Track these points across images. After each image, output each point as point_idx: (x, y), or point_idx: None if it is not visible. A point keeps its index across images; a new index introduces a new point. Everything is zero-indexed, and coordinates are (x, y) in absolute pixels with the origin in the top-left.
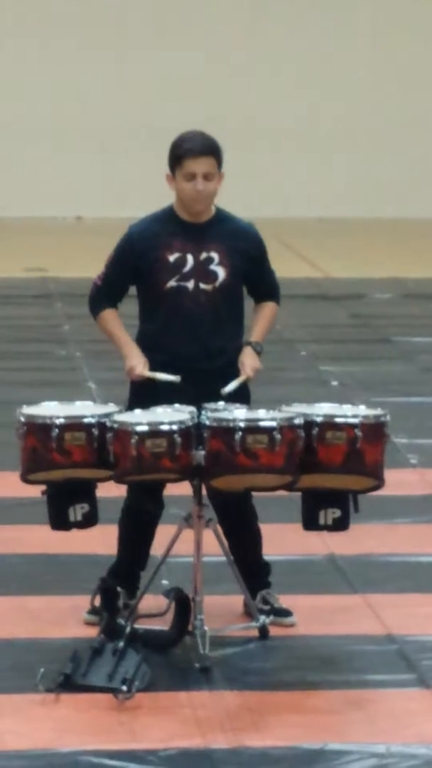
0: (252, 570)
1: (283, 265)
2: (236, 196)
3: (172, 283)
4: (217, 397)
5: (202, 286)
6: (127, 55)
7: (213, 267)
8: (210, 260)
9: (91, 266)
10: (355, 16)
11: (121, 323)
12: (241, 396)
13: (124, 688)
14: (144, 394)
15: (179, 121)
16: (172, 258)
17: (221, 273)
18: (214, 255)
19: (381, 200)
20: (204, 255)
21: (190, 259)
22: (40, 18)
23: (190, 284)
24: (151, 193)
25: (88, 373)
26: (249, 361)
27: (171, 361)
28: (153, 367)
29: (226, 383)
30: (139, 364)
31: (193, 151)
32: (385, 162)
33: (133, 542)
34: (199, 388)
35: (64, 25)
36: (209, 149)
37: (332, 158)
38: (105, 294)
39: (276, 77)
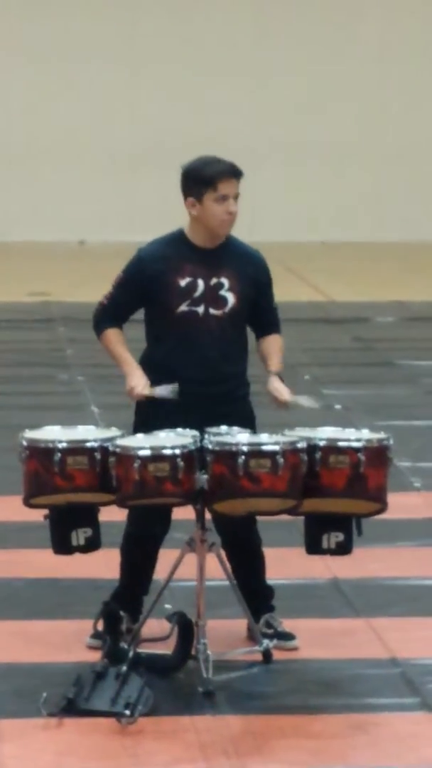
0: (256, 594)
1: (286, 289)
2: (239, 219)
3: (183, 307)
4: (219, 421)
5: (212, 311)
6: (132, 77)
7: (223, 293)
8: (220, 286)
9: (95, 291)
10: (360, 36)
11: (124, 342)
12: (249, 424)
13: (127, 712)
14: (149, 417)
15: (183, 145)
16: (183, 282)
17: (231, 299)
18: (225, 281)
19: (385, 223)
20: (215, 280)
21: (200, 284)
22: (45, 40)
23: (201, 309)
24: (154, 218)
25: (90, 397)
26: (282, 387)
27: (180, 386)
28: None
29: (236, 406)
30: (139, 384)
31: (226, 173)
32: (389, 185)
33: (136, 567)
34: (205, 413)
35: (69, 48)
36: (239, 171)
37: (336, 181)
38: (110, 314)
39: (281, 99)
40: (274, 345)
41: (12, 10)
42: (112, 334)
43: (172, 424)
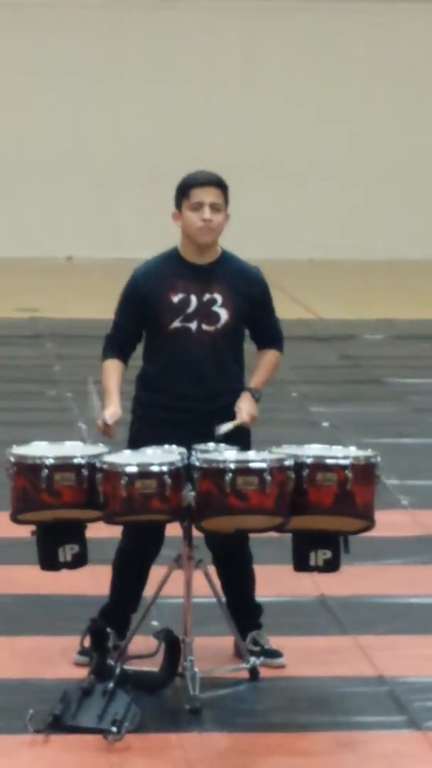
0: (244, 611)
1: (274, 306)
2: (227, 237)
3: (175, 324)
4: (213, 437)
5: (204, 327)
6: (120, 94)
7: (216, 308)
8: (213, 301)
9: (82, 306)
10: (348, 55)
11: (116, 374)
12: (241, 439)
13: (114, 729)
14: (142, 433)
15: (171, 161)
16: (175, 299)
17: (224, 315)
18: (218, 296)
19: (372, 241)
20: (207, 296)
21: (193, 300)
22: (33, 58)
23: (193, 325)
24: (142, 234)
25: (78, 413)
26: (246, 407)
27: (172, 402)
28: (152, 408)
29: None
30: (106, 416)
31: (199, 180)
32: (377, 203)
33: (126, 584)
34: (198, 429)
35: (57, 64)
36: (216, 181)
37: (324, 199)
38: (115, 341)
39: (268, 117)
40: (264, 360)
41: (1, 29)
42: (109, 365)
43: (163, 440)
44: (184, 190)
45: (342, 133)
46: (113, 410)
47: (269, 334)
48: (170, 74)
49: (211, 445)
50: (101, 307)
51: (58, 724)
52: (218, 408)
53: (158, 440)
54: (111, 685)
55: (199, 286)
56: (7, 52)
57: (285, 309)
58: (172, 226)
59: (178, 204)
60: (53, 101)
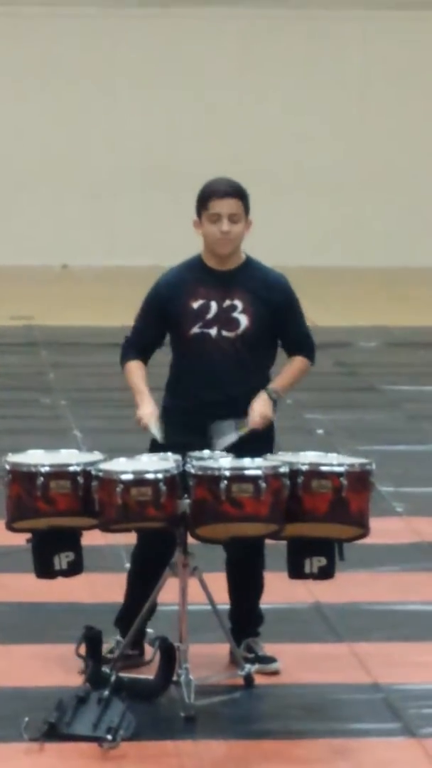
0: (247, 618)
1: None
2: None
3: (195, 329)
4: (234, 445)
5: (224, 333)
6: (115, 102)
7: (236, 314)
8: (233, 308)
9: (77, 314)
10: (341, 65)
11: (141, 373)
12: (264, 442)
13: (109, 737)
14: (165, 435)
15: (167, 169)
16: (195, 305)
17: (244, 321)
18: (238, 303)
19: (367, 248)
20: (227, 302)
21: (213, 306)
22: (29, 66)
23: (213, 331)
24: (137, 242)
25: (73, 421)
26: (259, 408)
27: (193, 407)
28: (175, 414)
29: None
30: (145, 415)
31: (218, 192)
32: (372, 210)
33: (143, 589)
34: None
35: (53, 72)
36: (235, 191)
37: (319, 206)
38: (134, 345)
39: (266, 125)
40: (290, 366)
41: None
42: (133, 366)
43: (186, 446)
44: (203, 201)
45: (337, 140)
46: (150, 409)
47: (296, 341)
48: (167, 82)
49: (206, 452)
50: (96, 314)
51: (53, 732)
52: (238, 413)
53: (181, 446)
54: (106, 692)
55: (219, 292)
56: (3, 58)
57: None
58: (167, 233)
59: (199, 213)
60: (49, 108)
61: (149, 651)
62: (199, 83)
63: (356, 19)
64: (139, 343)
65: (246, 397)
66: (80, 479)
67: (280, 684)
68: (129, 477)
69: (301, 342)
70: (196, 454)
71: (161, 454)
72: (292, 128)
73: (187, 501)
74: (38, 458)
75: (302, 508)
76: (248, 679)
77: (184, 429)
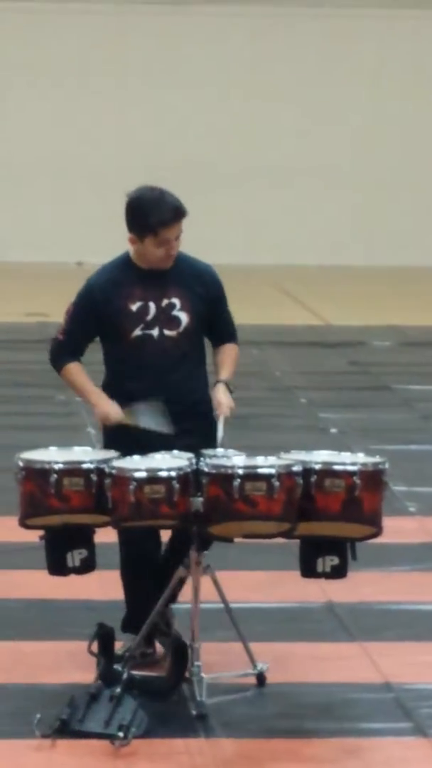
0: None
1: (283, 313)
2: (235, 243)
3: (137, 332)
4: (185, 437)
5: (166, 332)
6: (127, 99)
7: (175, 313)
8: (172, 306)
9: None
10: (354, 62)
11: (85, 374)
12: (210, 436)
13: (121, 734)
14: (120, 440)
15: (180, 164)
16: (134, 307)
17: (184, 318)
18: (176, 301)
19: (381, 248)
20: (166, 301)
21: (152, 306)
22: (42, 63)
23: (155, 332)
24: None
25: (87, 418)
26: (225, 401)
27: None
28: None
29: (199, 421)
30: (112, 410)
31: (168, 222)
32: (386, 209)
33: (138, 589)
34: (173, 432)
35: (65, 70)
36: (181, 213)
37: (333, 205)
38: (68, 348)
39: (275, 122)
40: (227, 354)
41: (8, 37)
42: (73, 368)
43: (140, 445)
44: (150, 228)
45: (350, 139)
46: (115, 406)
47: (226, 330)
48: (177, 80)
49: (220, 450)
50: None
51: (65, 729)
52: (188, 409)
53: (136, 446)
54: (118, 690)
55: (156, 292)
56: (14, 57)
57: (293, 315)
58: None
59: (141, 234)
60: (63, 106)
61: (161, 649)
62: (211, 81)
63: (370, 17)
64: (72, 346)
65: (193, 391)
66: (94, 476)
67: (291, 683)
68: (142, 474)
69: (230, 330)
70: (210, 452)
71: (174, 452)
72: (306, 127)
73: (200, 499)
74: (52, 455)
75: (315, 507)
76: (260, 677)
77: (138, 430)
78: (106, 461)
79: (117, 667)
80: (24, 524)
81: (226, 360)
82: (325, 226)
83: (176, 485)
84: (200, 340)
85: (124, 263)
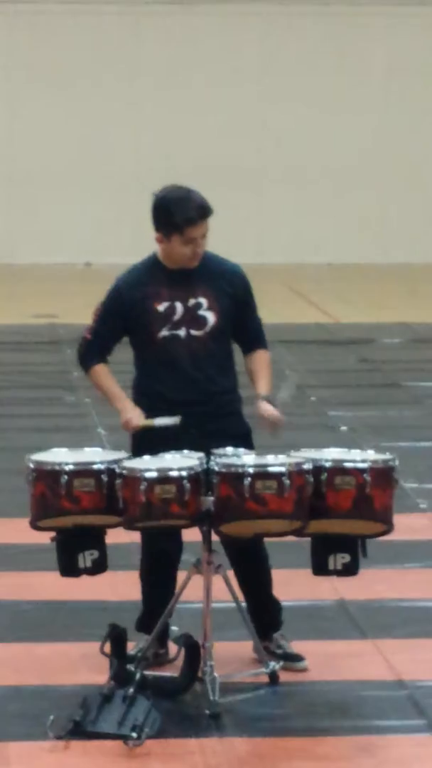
0: (265, 608)
1: (293, 311)
2: (247, 242)
3: (164, 332)
4: (214, 438)
5: (193, 332)
6: (137, 101)
7: (202, 312)
8: (198, 306)
9: None
10: (365, 61)
11: (112, 377)
12: (241, 435)
13: (134, 734)
14: (146, 444)
15: (190, 167)
16: (161, 308)
17: (211, 318)
18: (202, 300)
19: (391, 245)
20: (192, 301)
21: (179, 306)
22: (53, 64)
23: (182, 332)
24: None
25: (97, 419)
26: (270, 411)
27: (171, 408)
28: (152, 414)
29: (225, 423)
30: (134, 417)
31: (194, 220)
32: (396, 207)
33: (156, 590)
34: (201, 431)
35: (76, 71)
36: (207, 212)
37: (342, 203)
38: (96, 348)
39: (287, 122)
40: (260, 363)
41: (20, 38)
42: (100, 370)
43: (166, 446)
44: (176, 226)
45: (362, 137)
46: (138, 411)
47: (255, 335)
48: (188, 80)
49: (230, 449)
50: None
51: (78, 730)
52: (217, 407)
53: (159, 446)
54: (131, 690)
55: (182, 292)
56: (26, 59)
57: (303, 313)
58: None
59: (166, 233)
60: (72, 108)
61: (174, 649)
62: (222, 81)
63: (380, 15)
64: (100, 346)
65: (221, 391)
66: (104, 477)
67: (304, 681)
68: (153, 475)
69: (259, 334)
70: (220, 451)
71: (184, 451)
72: (316, 125)
73: (211, 498)
74: (62, 456)
75: (326, 505)
76: (273, 676)
77: (164, 430)
78: (117, 461)
79: (130, 667)
80: (35, 526)
81: (261, 371)
82: (335, 225)
83: (187, 485)
84: (228, 341)
85: (152, 263)
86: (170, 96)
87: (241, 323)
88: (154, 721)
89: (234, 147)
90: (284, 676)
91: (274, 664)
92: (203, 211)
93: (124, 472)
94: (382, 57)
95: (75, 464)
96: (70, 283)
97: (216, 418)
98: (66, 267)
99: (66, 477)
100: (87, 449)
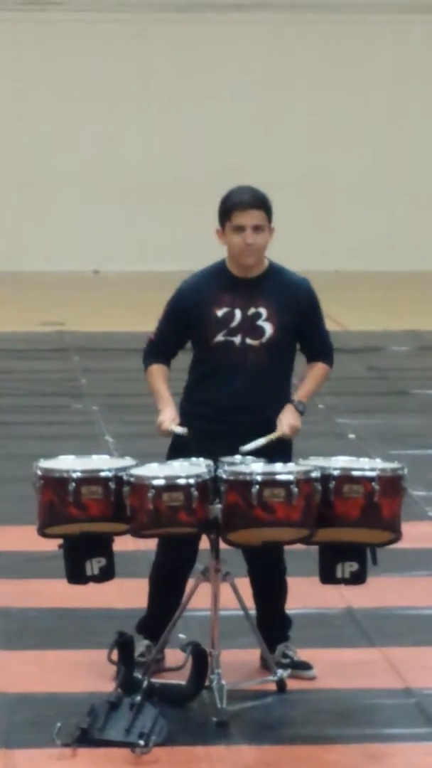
0: (274, 622)
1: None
2: None
3: (219, 337)
4: (257, 451)
5: (248, 341)
6: (147, 108)
7: (260, 323)
8: (258, 315)
9: (109, 320)
10: (375, 70)
11: (164, 378)
12: (282, 453)
13: (141, 742)
14: (181, 447)
15: (198, 175)
16: (220, 313)
17: (268, 329)
18: (263, 310)
19: (399, 253)
20: (252, 310)
21: (238, 314)
22: (61, 73)
23: (237, 339)
24: (168, 248)
25: (104, 426)
26: (287, 419)
27: (214, 414)
28: (196, 420)
29: (265, 434)
30: (166, 420)
31: (242, 203)
32: (404, 214)
33: (163, 597)
34: (242, 441)
35: (85, 80)
36: (259, 202)
37: (349, 210)
38: (156, 349)
39: (295, 130)
40: (311, 373)
41: (28, 45)
42: (155, 370)
43: (207, 452)
44: (226, 212)
45: (369, 145)
46: (172, 415)
47: (317, 347)
48: (196, 87)
49: (238, 457)
50: (128, 320)
51: (85, 738)
52: (261, 421)
53: (201, 451)
54: (138, 698)
55: (243, 300)
56: (34, 65)
57: None
58: (197, 240)
59: (222, 223)
60: (81, 115)
61: (181, 656)
62: (230, 89)
63: (387, 23)
64: (162, 347)
65: (269, 404)
66: (112, 485)
67: (312, 689)
68: (161, 482)
69: (322, 348)
70: (228, 459)
71: (192, 459)
72: (324, 134)
73: (219, 506)
74: (70, 464)
75: (334, 513)
76: (280, 684)
77: (205, 435)
78: (124, 469)
79: (137, 675)
80: (43, 533)
81: (306, 379)
82: (342, 233)
83: (195, 492)
84: (286, 354)
85: (218, 269)
86: (178, 104)
87: (305, 335)
88: (162, 728)
89: (242, 154)
90: (291, 684)
91: (282, 672)
92: (253, 198)
93: (132, 479)
94: (389, 65)
95: (83, 472)
96: (78, 291)
97: (258, 432)
98: (74, 274)
99: (74, 484)
100: (94, 457)
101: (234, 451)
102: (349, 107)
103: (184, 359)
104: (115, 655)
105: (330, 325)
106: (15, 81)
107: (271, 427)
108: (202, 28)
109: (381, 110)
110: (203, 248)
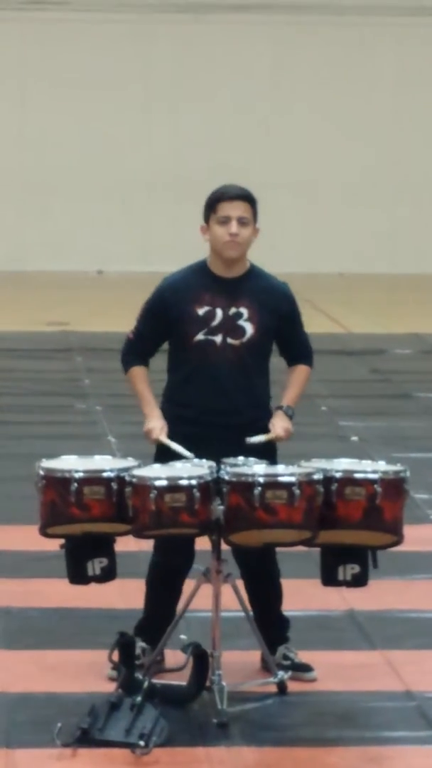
0: (271, 624)
1: (304, 321)
2: (257, 251)
3: (199, 336)
4: (239, 452)
5: (229, 340)
6: (149, 109)
7: (241, 322)
8: (239, 315)
9: (113, 320)
10: (376, 73)
11: (147, 380)
12: (267, 453)
13: (142, 743)
14: (167, 451)
15: (201, 175)
16: (201, 311)
17: (249, 329)
18: (243, 310)
19: (402, 255)
20: (233, 310)
21: (219, 313)
22: (64, 72)
23: (218, 338)
24: (172, 248)
25: (107, 427)
26: (280, 423)
27: (195, 415)
28: (177, 423)
29: (250, 436)
30: (156, 428)
31: (228, 194)
32: (406, 217)
33: (160, 599)
34: (221, 443)
35: (87, 79)
36: (244, 195)
37: (353, 213)
38: (137, 349)
39: (297, 131)
40: (294, 377)
41: (32, 45)
42: (137, 372)
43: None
44: (212, 204)
45: (372, 147)
46: (161, 423)
47: (298, 350)
48: (199, 89)
49: (240, 458)
50: (131, 320)
51: (85, 738)
52: (243, 422)
53: (182, 456)
54: (139, 698)
55: (225, 299)
56: (37, 65)
57: (315, 323)
58: (201, 240)
59: (207, 218)
60: (83, 115)
61: (182, 657)
62: (233, 90)
63: (389, 26)
64: (141, 346)
65: (250, 405)
66: (114, 485)
67: (313, 691)
68: (163, 483)
69: (303, 350)
70: (231, 460)
71: (195, 460)
72: (326, 135)
73: (221, 507)
74: (72, 464)
75: (336, 515)
76: (281, 686)
77: (188, 438)
78: (127, 470)
79: (138, 675)
80: (44, 533)
81: (291, 385)
82: (346, 235)
83: (197, 494)
84: (265, 356)
85: (200, 268)
86: (182, 105)
87: (285, 339)
88: (162, 729)
89: (245, 156)
90: (292, 686)
91: (282, 674)
92: (238, 191)
93: (134, 480)
94: (392, 68)
95: (85, 472)
96: (81, 291)
97: (244, 432)
98: (77, 274)
99: (76, 485)
100: (97, 457)
101: (216, 453)
102: (351, 109)
103: (161, 361)
104: (116, 656)
105: (333, 328)
106: (18, 81)
107: (253, 429)
108: (204, 28)
109: (383, 112)
110: (205, 248)
